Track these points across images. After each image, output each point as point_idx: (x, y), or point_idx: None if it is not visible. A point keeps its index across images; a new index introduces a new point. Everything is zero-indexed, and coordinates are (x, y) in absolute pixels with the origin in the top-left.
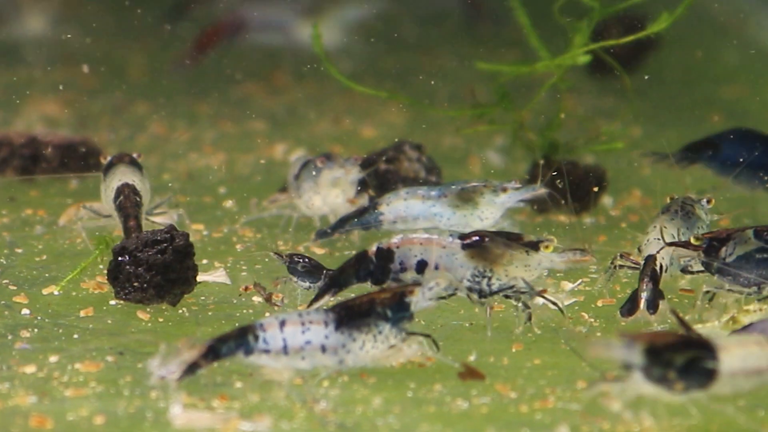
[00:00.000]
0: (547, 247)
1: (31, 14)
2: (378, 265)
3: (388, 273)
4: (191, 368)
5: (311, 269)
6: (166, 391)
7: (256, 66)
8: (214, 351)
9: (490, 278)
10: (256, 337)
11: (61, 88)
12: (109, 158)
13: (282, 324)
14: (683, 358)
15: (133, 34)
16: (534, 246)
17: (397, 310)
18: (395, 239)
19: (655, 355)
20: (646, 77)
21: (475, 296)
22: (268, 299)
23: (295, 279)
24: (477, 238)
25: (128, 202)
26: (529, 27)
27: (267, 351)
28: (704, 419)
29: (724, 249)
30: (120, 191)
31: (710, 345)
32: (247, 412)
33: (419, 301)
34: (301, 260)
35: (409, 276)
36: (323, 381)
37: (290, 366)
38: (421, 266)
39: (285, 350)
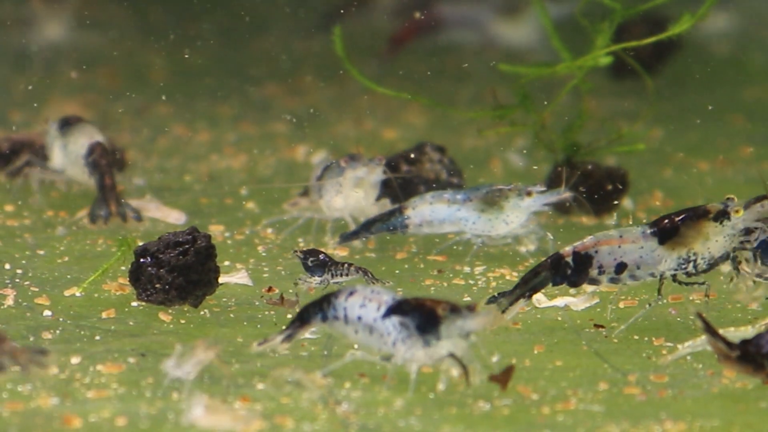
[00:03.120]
0: (737, 211)
1: (50, 18)
2: (576, 268)
3: (586, 276)
4: (288, 337)
5: (319, 263)
6: (182, 391)
7: (278, 67)
8: (302, 317)
9: (695, 260)
10: (329, 303)
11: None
12: (60, 118)
13: (349, 294)
14: None
15: (154, 35)
16: (724, 215)
17: (425, 322)
18: (589, 241)
19: None
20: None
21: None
22: (284, 303)
23: (308, 275)
24: (668, 225)
25: (103, 159)
26: (551, 28)
27: (336, 318)
28: (726, 421)
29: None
30: (93, 149)
31: None
32: (269, 414)
33: (457, 325)
34: (310, 256)
35: (606, 278)
36: (345, 383)
37: (351, 336)
38: (621, 268)
39: (346, 320)
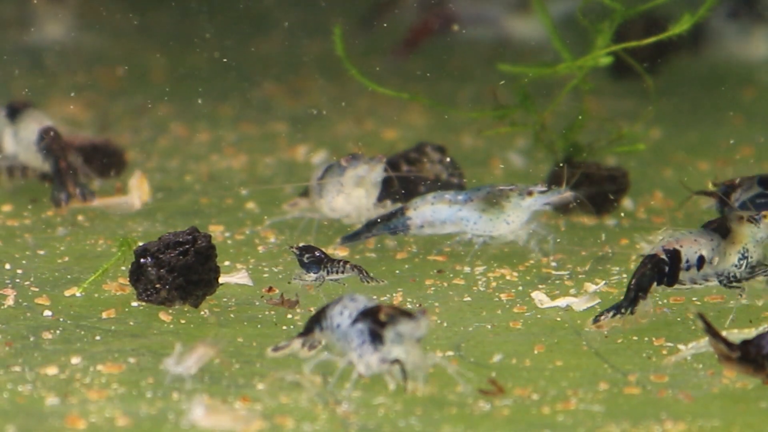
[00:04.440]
0: (765, 216)
1: (51, 18)
2: (671, 264)
3: (678, 272)
4: (306, 344)
5: (315, 260)
6: (183, 388)
7: (279, 67)
8: (306, 328)
9: (749, 257)
10: (324, 314)
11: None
12: (6, 105)
13: (335, 303)
14: None
15: (155, 36)
16: (755, 219)
17: (372, 328)
18: (671, 238)
19: None
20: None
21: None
22: (284, 303)
23: (304, 272)
24: (723, 222)
25: (55, 144)
26: (551, 28)
27: (328, 327)
28: (726, 421)
29: (734, 194)
30: (44, 134)
31: None
32: (269, 414)
33: (399, 331)
34: (306, 252)
35: (688, 277)
36: (345, 383)
37: (337, 345)
38: (701, 261)
39: (332, 329)
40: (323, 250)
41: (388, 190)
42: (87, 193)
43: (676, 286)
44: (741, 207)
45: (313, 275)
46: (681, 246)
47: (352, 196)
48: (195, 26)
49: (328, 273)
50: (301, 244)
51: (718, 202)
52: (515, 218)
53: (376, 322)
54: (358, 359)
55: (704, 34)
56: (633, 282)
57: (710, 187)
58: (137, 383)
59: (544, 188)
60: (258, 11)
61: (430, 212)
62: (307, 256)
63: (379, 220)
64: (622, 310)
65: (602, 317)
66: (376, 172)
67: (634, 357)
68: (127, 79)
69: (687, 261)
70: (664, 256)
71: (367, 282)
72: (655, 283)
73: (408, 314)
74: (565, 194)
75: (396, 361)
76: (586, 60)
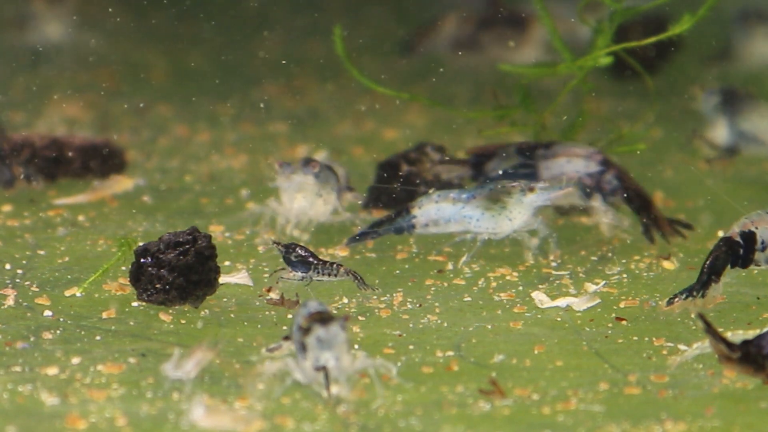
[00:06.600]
0: None
1: (51, 18)
2: (745, 247)
3: (753, 254)
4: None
5: (303, 260)
6: (183, 388)
7: (278, 67)
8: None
9: None
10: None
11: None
12: None
13: (303, 305)
14: None
15: (155, 36)
16: None
17: (301, 335)
18: (747, 220)
19: None
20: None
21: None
22: (283, 303)
23: (289, 269)
24: None
25: None
26: (552, 28)
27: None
28: (726, 421)
29: (489, 164)
30: None
31: None
32: (269, 414)
33: (319, 337)
34: (294, 250)
35: (763, 257)
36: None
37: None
38: None
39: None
40: (306, 247)
41: (372, 196)
42: (32, 175)
43: (751, 266)
44: (501, 177)
45: (299, 275)
46: (756, 227)
47: (295, 200)
48: (195, 26)
49: (318, 274)
50: (283, 242)
51: (471, 172)
52: (517, 214)
53: (301, 330)
54: (298, 365)
55: (732, 45)
56: (706, 264)
57: (463, 155)
58: (137, 383)
59: (545, 184)
60: (258, 11)
61: (435, 211)
62: (294, 255)
63: (384, 221)
64: (694, 293)
65: (676, 299)
66: (307, 180)
67: (634, 357)
68: (127, 79)
69: (762, 242)
70: (738, 239)
71: (364, 289)
72: (729, 266)
73: (324, 321)
74: (567, 189)
75: (322, 368)
76: (586, 60)
